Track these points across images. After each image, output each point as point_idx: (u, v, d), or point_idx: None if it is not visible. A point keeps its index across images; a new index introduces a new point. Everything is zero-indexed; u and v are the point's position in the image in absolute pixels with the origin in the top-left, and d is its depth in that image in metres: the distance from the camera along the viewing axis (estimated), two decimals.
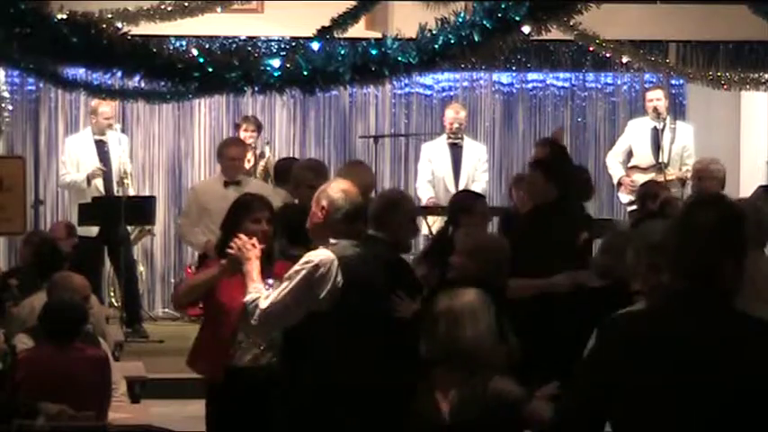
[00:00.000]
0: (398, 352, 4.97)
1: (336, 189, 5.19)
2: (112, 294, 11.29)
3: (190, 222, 9.21)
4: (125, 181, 10.72)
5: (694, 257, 3.02)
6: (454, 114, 11.15)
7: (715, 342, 2.93)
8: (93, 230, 10.51)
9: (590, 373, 3.06)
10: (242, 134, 11.16)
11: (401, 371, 4.92)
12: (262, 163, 11.16)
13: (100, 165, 10.71)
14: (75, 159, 10.81)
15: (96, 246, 10.56)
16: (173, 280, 12.39)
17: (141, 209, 10.79)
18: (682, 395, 2.90)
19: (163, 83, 6.26)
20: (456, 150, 11.01)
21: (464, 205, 7.02)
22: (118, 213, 10.35)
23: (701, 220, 3.05)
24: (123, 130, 11.48)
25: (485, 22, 4.83)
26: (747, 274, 3.07)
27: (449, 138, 11.08)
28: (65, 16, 4.91)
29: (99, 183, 10.73)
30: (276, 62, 5.13)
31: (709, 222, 3.04)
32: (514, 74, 12.68)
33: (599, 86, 12.94)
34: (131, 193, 10.81)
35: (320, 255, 5.01)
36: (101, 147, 10.83)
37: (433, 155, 11.10)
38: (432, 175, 11.04)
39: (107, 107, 10.74)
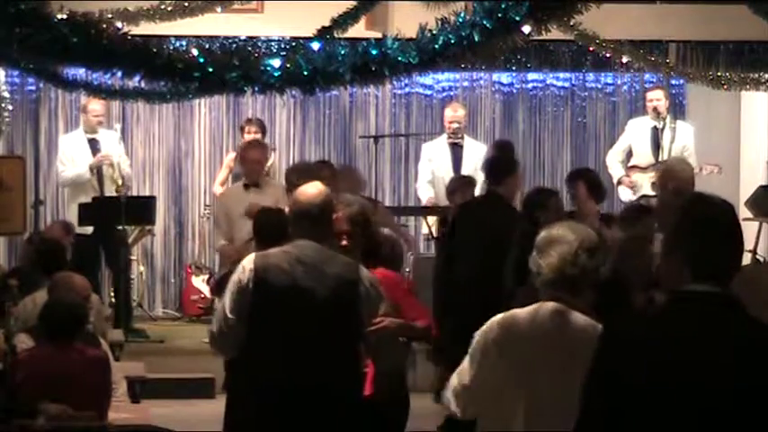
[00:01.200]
0: (321, 351, 4.96)
1: (295, 193, 5.23)
2: (112, 294, 11.28)
3: (221, 232, 9.21)
4: (116, 179, 10.70)
5: (722, 259, 3.01)
6: (453, 113, 11.16)
7: (732, 346, 2.91)
8: (89, 228, 10.51)
9: (599, 374, 3.04)
10: (246, 136, 11.15)
11: (321, 370, 4.93)
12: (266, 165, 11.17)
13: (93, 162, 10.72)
14: (69, 157, 10.82)
15: (93, 243, 10.56)
16: (173, 280, 12.41)
17: (141, 209, 10.79)
18: (690, 398, 2.89)
19: (163, 83, 6.26)
20: (456, 150, 11.01)
21: (539, 201, 7.28)
22: (118, 213, 10.35)
23: (723, 220, 3.04)
24: (123, 130, 11.48)
25: (485, 22, 4.82)
26: None
27: (449, 137, 11.08)
28: (65, 16, 4.90)
29: (94, 180, 10.71)
30: (276, 62, 5.12)
31: (729, 223, 3.04)
32: (514, 74, 12.68)
33: (599, 86, 12.95)
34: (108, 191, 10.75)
35: (246, 259, 5.08)
36: (93, 145, 10.82)
37: (434, 155, 11.10)
38: (432, 175, 11.04)
39: (97, 105, 10.73)
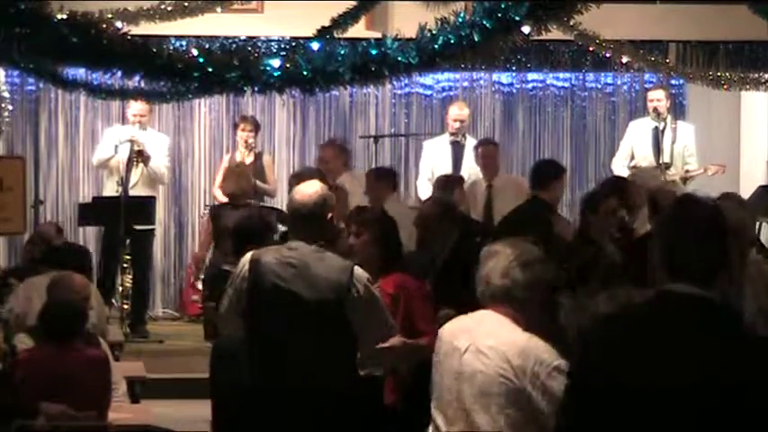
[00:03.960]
0: (308, 354, 4.95)
1: (292, 193, 5.27)
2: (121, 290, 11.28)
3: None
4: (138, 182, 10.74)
5: (698, 259, 2.99)
6: (458, 111, 11.13)
7: (706, 348, 2.90)
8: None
9: (578, 376, 3.04)
10: (240, 134, 11.19)
11: (310, 372, 4.92)
12: (259, 163, 11.21)
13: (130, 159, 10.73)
14: (110, 146, 10.85)
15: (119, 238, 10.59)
16: (173, 280, 12.40)
17: (141, 209, 10.79)
18: (663, 399, 2.87)
19: (163, 83, 6.26)
20: (457, 149, 10.98)
21: (590, 205, 7.24)
22: (118, 213, 10.35)
23: (700, 220, 3.02)
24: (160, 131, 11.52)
25: (485, 22, 4.83)
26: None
27: (450, 136, 11.06)
28: (65, 16, 4.90)
29: (117, 176, 10.69)
30: (276, 62, 5.13)
31: (708, 223, 3.02)
32: (514, 74, 12.67)
33: (599, 86, 12.94)
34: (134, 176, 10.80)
35: (243, 258, 5.14)
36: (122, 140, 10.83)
37: (434, 153, 11.09)
38: (432, 173, 11.02)
39: (138, 105, 10.71)
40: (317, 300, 4.93)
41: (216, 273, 8.34)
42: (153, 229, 11.05)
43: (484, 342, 4.07)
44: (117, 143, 10.68)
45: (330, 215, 5.12)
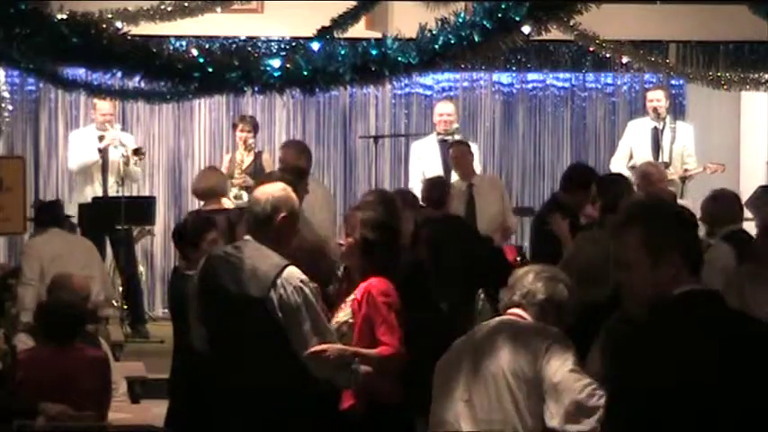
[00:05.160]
0: (237, 351, 4.97)
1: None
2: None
3: None
4: (124, 180, 10.71)
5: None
6: (444, 108, 11.09)
7: (726, 343, 2.91)
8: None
9: (620, 385, 3.01)
10: (239, 134, 11.18)
11: (240, 370, 4.94)
12: (259, 162, 11.22)
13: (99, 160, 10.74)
14: (78, 149, 10.85)
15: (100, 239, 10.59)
16: None
17: (141, 209, 10.79)
18: (694, 398, 2.87)
19: (163, 83, 6.25)
20: (446, 148, 10.94)
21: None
22: (118, 213, 10.35)
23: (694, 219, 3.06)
24: (123, 130, 11.48)
25: (485, 22, 4.83)
26: None
27: (438, 135, 11.02)
28: (65, 16, 4.91)
29: (98, 180, 10.72)
30: (276, 62, 5.12)
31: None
32: (514, 74, 12.68)
33: (599, 86, 12.95)
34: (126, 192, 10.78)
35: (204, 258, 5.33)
36: (103, 141, 10.82)
37: (423, 153, 11.04)
38: (423, 174, 11.00)
39: (104, 104, 10.73)
40: (240, 296, 4.93)
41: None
42: (129, 229, 10.89)
43: (507, 342, 4.26)
44: (99, 145, 10.69)
45: (282, 216, 5.01)
